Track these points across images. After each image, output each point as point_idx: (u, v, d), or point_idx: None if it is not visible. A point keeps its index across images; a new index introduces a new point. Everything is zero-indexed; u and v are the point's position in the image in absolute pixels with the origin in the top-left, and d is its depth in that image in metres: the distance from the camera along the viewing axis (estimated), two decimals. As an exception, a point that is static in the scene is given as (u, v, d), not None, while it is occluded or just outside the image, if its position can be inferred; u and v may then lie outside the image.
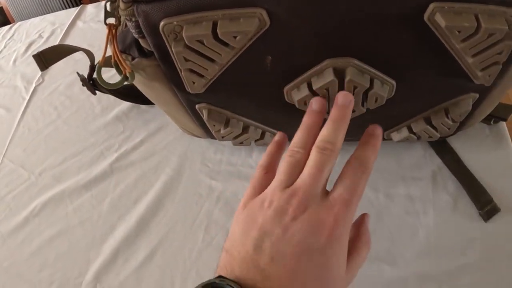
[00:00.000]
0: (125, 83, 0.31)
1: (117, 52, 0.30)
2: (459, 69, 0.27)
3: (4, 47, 0.68)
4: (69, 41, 0.63)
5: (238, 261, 0.22)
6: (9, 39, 0.70)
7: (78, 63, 0.57)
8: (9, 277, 0.40)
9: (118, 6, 0.27)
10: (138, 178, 0.43)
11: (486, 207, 0.36)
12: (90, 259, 0.39)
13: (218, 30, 0.24)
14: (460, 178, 0.38)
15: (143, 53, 0.29)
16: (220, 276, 0.22)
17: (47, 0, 0.83)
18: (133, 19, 0.26)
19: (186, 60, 0.27)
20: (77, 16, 0.67)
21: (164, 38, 0.26)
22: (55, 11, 0.85)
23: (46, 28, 0.67)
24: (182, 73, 0.28)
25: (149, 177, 0.43)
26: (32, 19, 0.71)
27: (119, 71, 0.31)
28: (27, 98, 0.57)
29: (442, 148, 0.40)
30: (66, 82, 0.56)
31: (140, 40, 0.28)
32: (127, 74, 0.31)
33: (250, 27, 0.24)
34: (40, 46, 0.65)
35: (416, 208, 0.36)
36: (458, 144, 0.40)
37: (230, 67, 0.27)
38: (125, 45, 0.30)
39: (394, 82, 0.29)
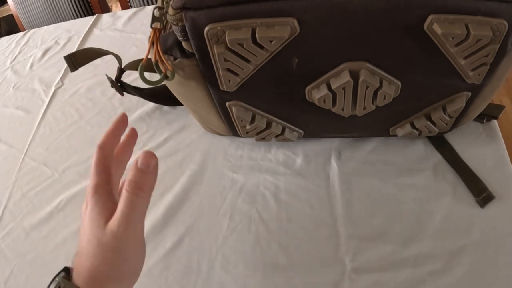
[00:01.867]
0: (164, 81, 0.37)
1: (160, 53, 0.35)
2: (454, 70, 0.33)
3: (19, 52, 0.73)
4: (87, 48, 0.69)
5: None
6: (23, 45, 0.75)
7: (97, 68, 0.62)
8: (33, 269, 0.44)
9: (167, 12, 0.32)
10: (164, 173, 0.48)
11: (482, 194, 0.41)
12: (117, 249, 0.44)
13: (256, 35, 0.30)
14: (458, 169, 0.44)
15: (184, 54, 0.35)
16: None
17: (58, 10, 0.89)
18: (180, 24, 0.32)
19: (226, 60, 0.32)
20: (94, 24, 0.73)
21: (207, 41, 0.32)
22: (66, 21, 0.90)
23: (62, 35, 0.73)
24: (220, 72, 0.34)
25: (174, 172, 0.48)
26: (46, 26, 0.77)
27: (159, 70, 0.37)
28: (47, 100, 0.61)
29: (441, 144, 0.46)
30: (87, 85, 0.61)
31: (183, 42, 0.34)
32: (168, 73, 0.36)
33: (284, 33, 0.30)
34: (57, 52, 0.70)
35: (420, 196, 0.42)
36: (455, 141, 0.46)
37: (262, 68, 0.33)
38: (167, 47, 0.35)
39: (399, 83, 0.35)
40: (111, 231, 0.28)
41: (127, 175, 0.30)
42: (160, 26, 0.35)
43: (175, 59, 0.35)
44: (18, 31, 1.04)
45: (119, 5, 0.90)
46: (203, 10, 0.30)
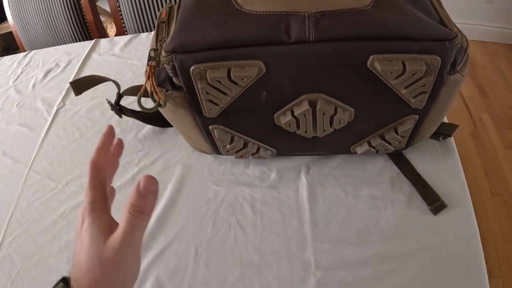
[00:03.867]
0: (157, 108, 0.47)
1: (155, 85, 0.45)
2: (398, 97, 0.43)
3: (21, 72, 0.84)
4: (86, 71, 0.79)
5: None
6: (25, 66, 0.85)
7: (96, 91, 0.72)
8: (37, 270, 0.52)
9: (160, 53, 0.43)
10: (156, 185, 0.58)
11: (435, 203, 0.51)
12: (115, 252, 0.53)
13: (231, 74, 0.40)
14: (413, 181, 0.54)
15: (174, 87, 0.45)
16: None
17: (58, 31, 1.00)
18: (171, 63, 0.42)
19: (207, 93, 0.42)
20: (92, 49, 0.83)
21: (192, 78, 0.42)
22: (65, 43, 1.01)
23: (63, 58, 0.83)
24: (203, 102, 0.44)
25: (166, 185, 0.57)
26: (47, 48, 0.87)
27: (153, 99, 0.47)
28: (50, 119, 0.71)
29: (399, 159, 0.56)
30: (87, 107, 0.71)
31: (173, 78, 0.44)
32: (160, 102, 0.46)
33: (252, 73, 0.40)
34: (57, 74, 0.81)
35: (378, 205, 0.52)
36: (413, 156, 0.56)
37: (237, 99, 0.43)
38: (160, 80, 0.46)
39: (352, 109, 0.45)
40: (112, 248, 0.31)
41: (129, 196, 0.33)
42: (154, 63, 0.45)
43: (167, 90, 0.45)
44: (16, 47, 1.15)
45: (114, 27, 1.01)
46: (189, 53, 0.40)
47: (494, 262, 1.05)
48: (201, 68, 0.41)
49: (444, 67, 0.41)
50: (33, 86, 0.80)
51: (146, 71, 0.46)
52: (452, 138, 0.59)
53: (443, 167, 0.55)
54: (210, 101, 0.43)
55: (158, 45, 0.45)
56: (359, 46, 0.39)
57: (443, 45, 0.39)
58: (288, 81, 0.42)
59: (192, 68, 0.41)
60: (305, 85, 0.42)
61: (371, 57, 0.39)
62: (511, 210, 1.17)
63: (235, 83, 0.41)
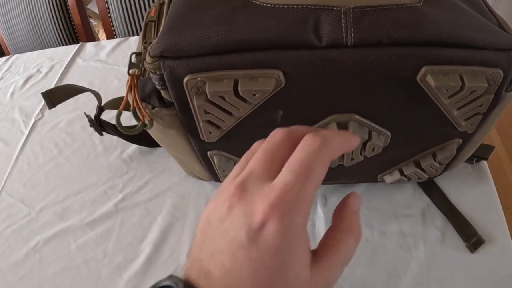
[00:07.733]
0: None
1: (138, 100, 0.32)
2: (446, 119, 0.31)
3: (1, 78, 0.69)
4: (69, 78, 0.65)
5: (190, 257, 0.19)
6: (5, 71, 0.71)
7: (78, 101, 0.59)
8: None
9: (144, 59, 0.30)
10: (144, 218, 0.44)
11: (472, 239, 0.39)
12: (95, 298, 0.40)
13: (239, 88, 0.27)
14: (447, 213, 0.42)
15: (163, 103, 0.32)
16: (170, 276, 0.18)
17: (44, 35, 0.86)
18: (158, 72, 0.29)
19: (206, 112, 0.29)
20: (77, 54, 0.69)
21: (187, 92, 0.29)
22: (51, 47, 0.87)
23: (45, 63, 0.69)
24: (200, 124, 0.31)
25: (155, 217, 0.44)
26: (30, 52, 0.73)
27: (136, 117, 0.33)
28: (26, 132, 0.57)
29: (429, 188, 0.43)
30: (67, 119, 0.58)
31: (162, 91, 0.31)
32: (146, 122, 0.33)
33: (268, 87, 0.27)
34: (38, 81, 0.67)
35: (408, 243, 0.39)
36: (444, 182, 0.44)
37: (245, 119, 0.30)
38: (145, 94, 0.32)
39: (389, 133, 0.32)
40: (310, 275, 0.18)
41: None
42: (137, 72, 0.32)
43: (153, 107, 0.32)
44: (1, 52, 1.00)
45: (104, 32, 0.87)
46: (182, 59, 0.28)
47: None
48: (199, 79, 0.28)
49: (504, 83, 0.29)
50: (12, 94, 0.66)
51: (127, 81, 0.32)
52: (485, 161, 0.47)
53: (477, 194, 0.44)
54: (209, 122, 0.30)
55: (142, 48, 0.32)
56: (410, 54, 0.27)
57: (508, 56, 0.27)
58: (313, 97, 0.29)
59: (186, 79, 0.28)
60: (335, 102, 0.30)
61: (423, 69, 0.27)
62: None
63: (244, 100, 0.28)
